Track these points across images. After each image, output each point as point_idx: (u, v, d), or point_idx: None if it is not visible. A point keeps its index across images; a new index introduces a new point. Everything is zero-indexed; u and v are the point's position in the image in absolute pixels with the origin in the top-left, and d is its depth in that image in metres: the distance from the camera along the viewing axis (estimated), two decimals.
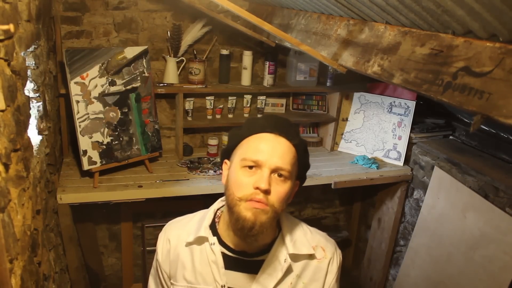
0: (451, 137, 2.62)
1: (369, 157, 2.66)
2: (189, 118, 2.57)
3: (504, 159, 2.19)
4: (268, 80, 2.67)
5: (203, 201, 1.81)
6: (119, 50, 2.16)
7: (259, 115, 1.03)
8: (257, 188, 0.95)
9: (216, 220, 1.12)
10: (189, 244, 1.09)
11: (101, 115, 2.13)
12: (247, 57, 2.61)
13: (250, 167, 0.97)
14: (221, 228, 1.09)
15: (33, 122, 1.48)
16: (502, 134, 2.21)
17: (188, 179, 2.30)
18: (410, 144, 2.61)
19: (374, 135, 2.73)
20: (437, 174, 2.33)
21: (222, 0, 1.48)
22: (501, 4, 0.86)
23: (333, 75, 2.79)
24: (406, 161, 2.63)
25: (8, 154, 0.99)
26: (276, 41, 2.40)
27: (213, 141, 2.63)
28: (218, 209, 1.14)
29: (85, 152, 2.08)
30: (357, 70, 1.47)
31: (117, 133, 2.19)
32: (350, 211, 3.31)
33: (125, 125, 2.22)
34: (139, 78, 2.25)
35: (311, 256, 1.08)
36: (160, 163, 2.48)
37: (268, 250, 1.07)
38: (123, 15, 2.41)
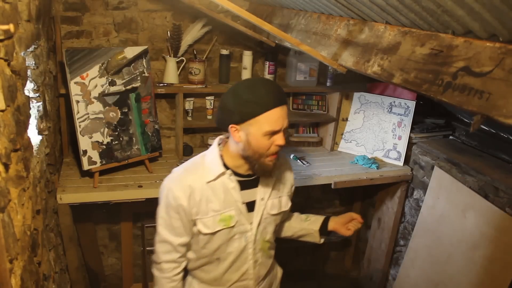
0: (451, 137, 2.62)
1: (369, 157, 2.66)
2: (189, 118, 2.57)
3: (504, 159, 2.19)
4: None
5: None
6: (119, 50, 2.16)
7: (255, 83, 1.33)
8: (278, 145, 1.30)
9: (222, 157, 1.40)
10: (210, 181, 1.35)
11: (101, 115, 2.13)
12: (247, 57, 2.61)
13: (271, 135, 1.29)
14: (229, 162, 1.39)
15: (33, 122, 1.48)
16: (502, 134, 2.21)
17: None
18: (410, 144, 2.61)
19: (374, 135, 2.73)
20: (437, 174, 2.33)
21: (222, 0, 1.48)
22: (501, 4, 0.86)
23: (333, 75, 2.79)
24: (406, 161, 2.63)
25: (8, 154, 0.99)
26: (276, 41, 2.40)
27: (213, 141, 2.62)
28: (219, 150, 1.42)
29: (85, 152, 2.08)
30: (357, 70, 1.47)
31: (117, 133, 2.19)
32: (350, 211, 3.30)
33: (125, 125, 2.22)
34: (139, 78, 2.25)
35: (281, 164, 1.51)
36: (160, 163, 2.48)
37: None
38: (123, 15, 2.41)
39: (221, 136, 1.46)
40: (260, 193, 1.44)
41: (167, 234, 1.40)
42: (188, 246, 1.44)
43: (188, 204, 1.34)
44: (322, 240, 1.67)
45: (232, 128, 1.31)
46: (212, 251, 1.42)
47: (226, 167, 1.38)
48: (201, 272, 1.49)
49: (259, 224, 1.44)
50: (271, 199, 1.47)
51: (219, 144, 1.43)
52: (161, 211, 1.40)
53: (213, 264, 1.46)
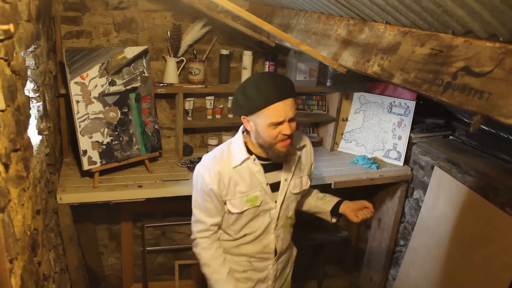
0: (451, 137, 2.62)
1: (369, 157, 2.66)
2: (189, 118, 2.57)
3: (504, 159, 2.19)
4: None
5: None
6: (119, 50, 2.16)
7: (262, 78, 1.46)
8: (284, 134, 1.42)
9: (246, 144, 1.55)
10: (236, 166, 1.51)
11: (101, 115, 2.13)
12: (247, 57, 2.61)
13: (275, 126, 1.41)
14: (252, 148, 1.54)
15: (33, 122, 1.48)
16: (502, 134, 2.21)
17: (188, 179, 2.30)
18: (410, 144, 2.61)
19: (374, 135, 2.73)
20: (437, 174, 2.33)
21: (222, 0, 1.48)
22: (501, 4, 0.86)
23: (333, 75, 2.79)
24: (406, 161, 2.63)
25: (8, 154, 0.99)
26: (276, 41, 2.40)
27: (213, 141, 2.63)
28: (243, 137, 1.56)
29: (85, 152, 2.08)
30: (357, 70, 1.47)
31: (117, 133, 2.19)
32: None
33: (125, 125, 2.22)
34: (139, 78, 2.25)
35: (304, 147, 1.67)
36: (160, 163, 2.48)
37: None
38: (123, 15, 2.41)
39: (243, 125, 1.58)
40: (284, 175, 1.59)
41: (201, 215, 1.57)
42: (219, 224, 1.61)
43: (218, 188, 1.51)
44: (333, 220, 1.79)
45: (243, 119, 1.48)
46: (240, 227, 1.59)
47: (250, 153, 1.53)
48: (227, 243, 1.64)
49: (282, 202, 1.60)
50: (294, 179, 1.62)
51: (243, 132, 1.57)
52: (195, 195, 1.58)
53: (239, 238, 1.62)
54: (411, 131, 2.59)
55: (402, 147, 2.62)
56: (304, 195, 1.77)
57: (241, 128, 1.59)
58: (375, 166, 2.56)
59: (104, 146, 2.14)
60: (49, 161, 1.85)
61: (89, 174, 2.17)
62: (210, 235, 1.60)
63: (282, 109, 1.40)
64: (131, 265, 2.86)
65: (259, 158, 1.55)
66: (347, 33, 1.60)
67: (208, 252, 1.60)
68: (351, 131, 2.81)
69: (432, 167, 2.38)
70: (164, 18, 2.49)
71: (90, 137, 2.09)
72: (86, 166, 2.09)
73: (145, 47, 2.27)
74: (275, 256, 1.67)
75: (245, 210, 1.54)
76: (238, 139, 1.56)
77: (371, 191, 2.92)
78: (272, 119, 1.40)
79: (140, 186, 2.17)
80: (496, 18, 0.91)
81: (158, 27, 2.49)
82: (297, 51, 2.61)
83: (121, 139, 2.21)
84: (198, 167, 1.57)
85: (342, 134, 2.84)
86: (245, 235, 1.61)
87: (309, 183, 1.71)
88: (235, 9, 1.51)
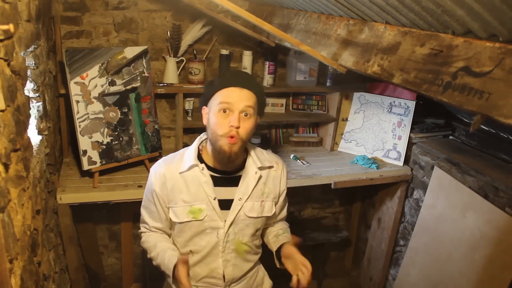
0: (451, 137, 2.62)
1: (369, 157, 2.66)
2: (189, 118, 2.57)
3: (504, 159, 2.19)
4: (268, 80, 2.67)
5: None
6: (119, 50, 2.16)
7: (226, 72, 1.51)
8: (231, 126, 1.32)
9: (200, 152, 1.48)
10: (182, 172, 1.43)
11: (101, 115, 2.13)
12: (247, 57, 2.61)
13: (224, 111, 1.34)
14: (205, 157, 1.46)
15: (33, 122, 1.48)
16: (502, 134, 2.21)
17: None
18: (410, 144, 2.61)
19: (374, 135, 2.73)
20: (437, 174, 2.33)
21: (222, 0, 1.48)
22: (501, 4, 0.86)
23: (333, 75, 2.79)
24: (406, 161, 2.63)
25: (8, 154, 0.98)
26: (276, 41, 2.40)
27: None
28: (199, 144, 1.49)
29: (85, 152, 2.08)
30: (357, 70, 1.47)
31: (117, 133, 2.19)
32: (350, 211, 3.31)
33: (125, 125, 2.22)
34: (139, 78, 2.25)
35: (270, 168, 1.53)
36: None
37: (242, 168, 1.48)
38: (123, 15, 2.41)
39: (205, 132, 1.50)
40: (239, 193, 1.46)
41: (146, 215, 1.53)
42: (163, 230, 1.54)
43: (160, 191, 1.44)
44: (278, 265, 1.53)
45: (203, 110, 1.44)
46: (185, 241, 1.48)
47: (201, 161, 1.45)
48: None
49: (232, 223, 1.45)
50: (252, 201, 1.47)
51: (202, 139, 1.51)
52: (144, 193, 1.54)
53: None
54: (411, 131, 2.59)
55: (402, 147, 2.62)
56: (268, 224, 1.62)
57: (201, 135, 1.52)
58: (375, 166, 2.56)
59: (104, 146, 2.14)
60: (49, 161, 1.85)
61: (89, 174, 2.16)
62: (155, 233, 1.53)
63: (236, 95, 1.34)
64: (131, 265, 2.87)
65: (211, 169, 1.44)
66: (347, 33, 1.60)
67: (150, 238, 1.52)
68: (351, 131, 2.82)
69: (432, 167, 2.38)
70: (164, 18, 2.49)
71: (90, 137, 2.09)
72: (86, 166, 2.09)
73: (145, 47, 2.27)
74: (224, 282, 1.50)
75: (186, 222, 1.43)
76: (193, 145, 1.49)
77: (371, 191, 2.92)
78: (222, 99, 1.34)
79: (140, 186, 2.17)
80: (496, 18, 0.91)
81: (158, 27, 2.49)
82: (297, 51, 2.61)
83: (121, 139, 2.21)
84: (152, 167, 1.51)
85: (342, 134, 2.84)
86: (191, 252, 1.48)
87: (273, 210, 1.53)
88: (235, 9, 1.51)
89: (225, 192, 1.45)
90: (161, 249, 1.46)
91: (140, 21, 2.45)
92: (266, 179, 1.51)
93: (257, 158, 1.50)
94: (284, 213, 1.66)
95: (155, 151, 2.37)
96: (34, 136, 1.52)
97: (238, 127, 1.33)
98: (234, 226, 1.46)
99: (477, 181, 2.08)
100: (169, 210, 1.46)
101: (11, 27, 0.94)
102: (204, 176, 1.43)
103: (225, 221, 1.45)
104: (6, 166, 0.98)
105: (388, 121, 2.68)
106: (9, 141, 0.99)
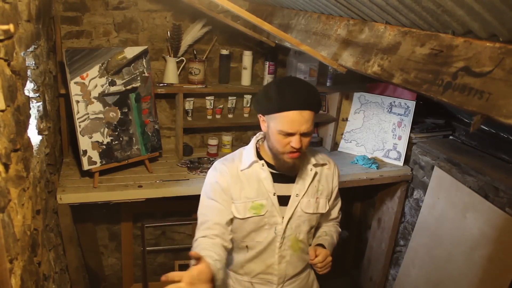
0: (451, 137, 2.62)
1: (369, 157, 2.66)
2: (189, 118, 2.57)
3: (504, 159, 2.19)
4: (268, 80, 2.67)
5: None
6: (119, 50, 2.16)
7: (281, 84, 1.40)
8: (292, 147, 1.36)
9: (258, 149, 1.52)
10: (243, 169, 1.46)
11: (101, 115, 2.13)
12: (247, 57, 2.61)
13: (285, 135, 1.36)
14: (264, 154, 1.50)
15: (33, 122, 1.48)
16: (502, 134, 2.21)
17: (188, 179, 2.30)
18: (410, 144, 2.61)
19: (374, 135, 2.73)
20: (437, 174, 2.33)
21: (222, 0, 1.48)
22: (501, 4, 0.86)
23: (333, 75, 2.79)
24: (406, 161, 2.63)
25: (8, 154, 0.99)
26: (276, 41, 2.40)
27: (213, 141, 2.63)
28: (256, 142, 1.53)
29: (85, 152, 2.08)
30: (357, 70, 1.47)
31: (117, 133, 2.19)
32: (350, 211, 3.31)
33: (125, 125, 2.22)
34: (139, 78, 2.25)
35: (323, 165, 1.57)
36: (160, 163, 2.48)
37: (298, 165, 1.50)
38: (123, 15, 2.41)
39: (261, 132, 1.53)
40: (296, 189, 1.49)
41: (207, 213, 1.45)
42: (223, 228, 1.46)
43: (226, 185, 1.45)
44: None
45: (260, 117, 1.45)
46: (242, 236, 1.50)
47: (260, 158, 1.49)
48: (229, 257, 1.54)
49: (290, 219, 1.48)
50: (307, 197, 1.51)
51: (258, 139, 1.54)
52: (202, 198, 1.49)
53: (241, 251, 1.53)
54: (411, 131, 2.59)
55: (402, 147, 2.62)
56: (320, 222, 1.66)
57: (257, 134, 1.55)
58: (375, 166, 2.56)
59: (104, 146, 2.14)
60: (49, 161, 1.85)
61: (89, 174, 2.17)
62: (213, 236, 1.38)
63: (296, 120, 1.33)
64: (131, 265, 2.87)
65: (270, 166, 1.48)
66: (347, 33, 1.60)
67: (200, 243, 1.38)
68: (351, 131, 2.82)
69: (432, 167, 2.38)
70: (164, 18, 2.49)
71: (90, 137, 2.09)
72: (86, 166, 2.09)
73: (145, 47, 2.27)
74: (278, 279, 1.53)
75: (248, 217, 1.46)
76: (251, 143, 1.53)
77: (371, 191, 2.92)
78: (282, 127, 1.34)
79: (140, 186, 2.17)
80: (496, 18, 0.91)
81: (158, 27, 2.49)
82: (297, 51, 2.61)
83: (121, 139, 2.21)
84: (211, 168, 1.52)
85: (342, 134, 2.84)
86: (247, 247, 1.50)
87: (327, 207, 1.57)
88: (235, 9, 1.52)
89: (283, 188, 1.49)
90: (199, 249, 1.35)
91: (140, 21, 2.45)
92: (320, 177, 1.55)
93: (312, 156, 1.55)
94: (335, 212, 1.70)
95: (155, 151, 2.37)
96: (34, 136, 1.52)
97: (299, 148, 1.36)
98: (292, 222, 1.49)
99: (477, 181, 2.08)
100: (232, 206, 1.46)
101: (11, 27, 0.94)
102: (264, 172, 1.47)
103: (283, 217, 1.48)
104: (6, 166, 0.98)
105: (388, 121, 2.68)
106: (9, 141, 0.99)
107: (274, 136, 1.38)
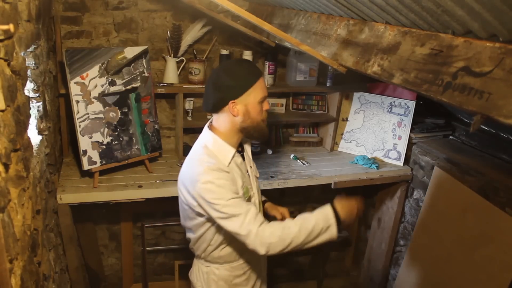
0: (451, 137, 2.62)
1: (369, 157, 2.66)
2: (189, 118, 2.57)
3: (504, 159, 2.19)
4: (268, 80, 2.67)
5: None
6: (119, 50, 2.16)
7: (236, 63, 1.60)
8: (266, 110, 1.53)
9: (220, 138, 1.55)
10: (229, 164, 1.50)
11: (101, 115, 2.13)
12: (247, 57, 2.60)
13: (263, 101, 1.50)
14: (228, 141, 1.53)
15: (33, 122, 1.48)
16: (502, 134, 2.21)
17: None
18: (410, 144, 2.61)
19: (374, 135, 2.73)
20: (437, 174, 2.33)
21: (222, 0, 1.48)
22: (501, 4, 0.86)
23: (333, 75, 2.79)
24: (406, 161, 2.63)
25: (8, 154, 0.99)
26: (276, 41, 2.40)
27: None
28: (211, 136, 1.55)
29: (85, 152, 2.08)
30: (357, 70, 1.47)
31: (117, 133, 2.19)
32: None
33: (125, 125, 2.22)
34: (139, 78, 2.25)
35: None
36: (160, 163, 2.48)
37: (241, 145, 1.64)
38: (123, 15, 2.41)
39: (207, 124, 1.58)
40: (248, 161, 1.66)
41: (235, 204, 1.40)
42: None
43: (230, 179, 1.47)
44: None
45: (231, 104, 1.46)
46: None
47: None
48: (220, 251, 1.60)
49: (257, 188, 1.66)
50: (253, 165, 1.71)
51: (210, 132, 1.56)
52: (218, 200, 1.40)
53: (231, 241, 1.57)
54: (411, 131, 2.59)
55: (402, 147, 2.62)
56: None
57: (206, 127, 1.56)
58: (375, 166, 2.56)
59: (104, 146, 2.14)
60: (49, 161, 1.85)
61: (89, 174, 2.17)
62: (257, 215, 1.41)
63: (263, 84, 1.50)
64: (131, 265, 2.86)
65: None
66: (347, 33, 1.60)
67: (272, 226, 1.42)
68: (351, 131, 2.82)
69: (432, 167, 2.38)
70: (164, 18, 2.49)
71: (90, 137, 2.09)
72: (86, 166, 2.09)
73: (145, 47, 2.27)
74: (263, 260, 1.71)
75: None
76: (212, 138, 1.51)
77: (371, 191, 2.92)
78: (262, 93, 1.48)
79: (140, 186, 2.17)
80: (496, 18, 0.91)
81: (158, 27, 2.49)
82: (297, 51, 2.61)
83: (121, 139, 2.21)
84: (201, 178, 1.41)
85: (342, 134, 2.84)
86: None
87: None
88: (235, 9, 1.52)
89: (244, 165, 1.63)
90: (297, 221, 1.48)
91: (140, 21, 2.45)
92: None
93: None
94: None
95: (155, 151, 2.37)
96: (34, 136, 1.52)
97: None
98: (257, 189, 1.67)
99: (477, 181, 2.08)
100: None
101: (11, 27, 0.94)
102: (239, 157, 1.57)
103: (252, 188, 1.62)
104: (6, 166, 0.98)
105: (388, 121, 2.68)
106: (9, 141, 0.99)
107: (255, 109, 1.48)
